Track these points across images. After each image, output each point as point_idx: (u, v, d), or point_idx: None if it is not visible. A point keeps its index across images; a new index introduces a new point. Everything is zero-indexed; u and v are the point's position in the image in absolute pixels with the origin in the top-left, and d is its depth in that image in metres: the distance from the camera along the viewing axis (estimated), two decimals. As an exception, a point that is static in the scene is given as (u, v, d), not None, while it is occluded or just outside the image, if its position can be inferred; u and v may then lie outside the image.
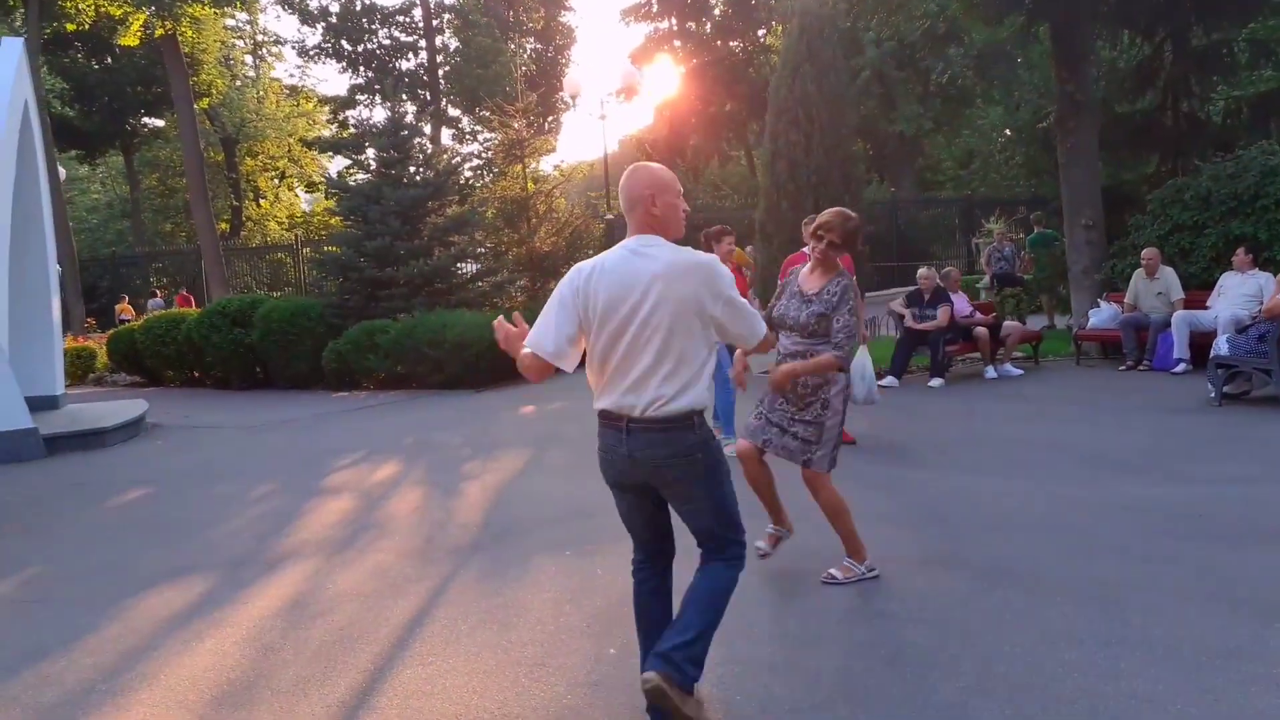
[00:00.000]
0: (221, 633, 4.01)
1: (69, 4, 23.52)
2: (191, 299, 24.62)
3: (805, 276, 4.27)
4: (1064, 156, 12.27)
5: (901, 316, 10.39)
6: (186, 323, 14.34)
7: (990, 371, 10.31)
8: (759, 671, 3.27)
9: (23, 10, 25.34)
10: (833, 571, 4.15)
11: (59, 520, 6.43)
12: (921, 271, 10.36)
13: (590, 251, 22.38)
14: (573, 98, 22.67)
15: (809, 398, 4.12)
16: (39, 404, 9.62)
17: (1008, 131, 26.20)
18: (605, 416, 2.87)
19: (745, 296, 6.00)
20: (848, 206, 10.07)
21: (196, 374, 14.70)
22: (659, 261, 2.75)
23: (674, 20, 33.98)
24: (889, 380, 9.89)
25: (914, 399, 9.26)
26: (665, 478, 2.84)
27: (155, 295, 25.34)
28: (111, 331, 17.33)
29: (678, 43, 33.91)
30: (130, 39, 24.00)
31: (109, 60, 31.20)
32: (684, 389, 2.76)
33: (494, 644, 3.67)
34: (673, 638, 2.78)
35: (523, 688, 3.25)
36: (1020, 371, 10.50)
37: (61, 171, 23.63)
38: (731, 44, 33.70)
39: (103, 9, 23.49)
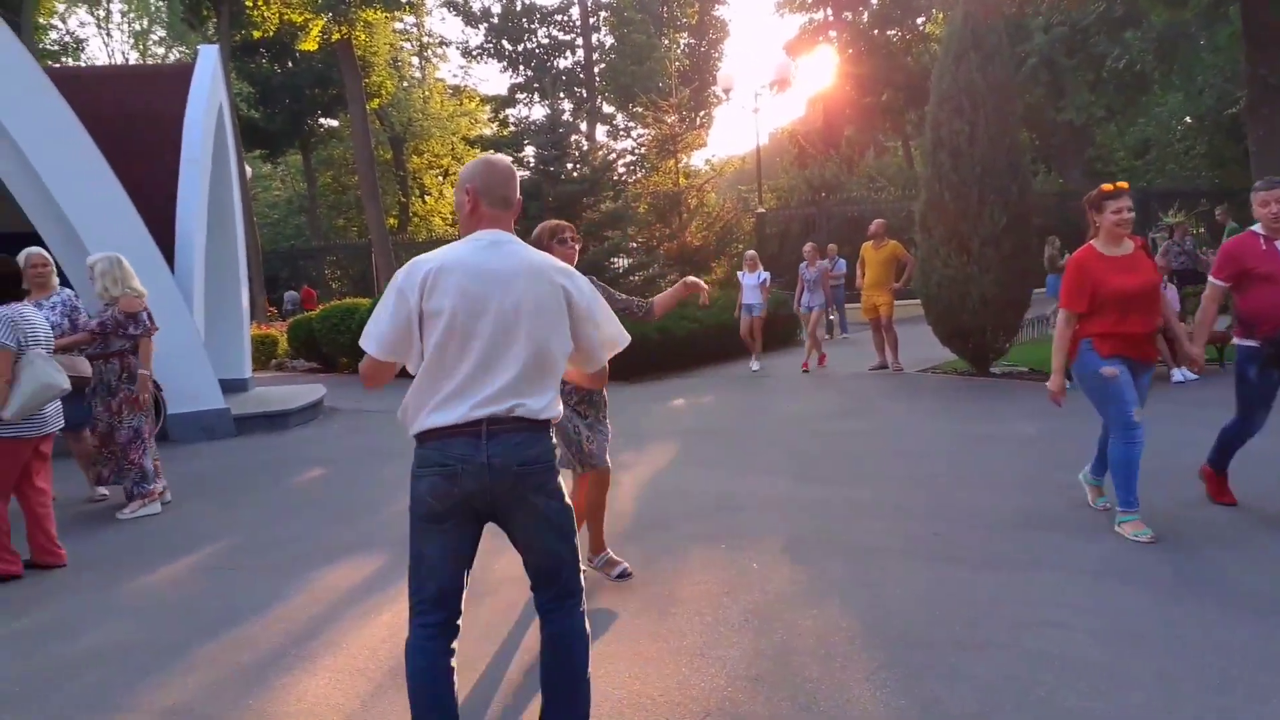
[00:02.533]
0: (396, 607, 4.24)
1: (255, 13, 25.20)
2: (314, 293, 26.35)
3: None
4: (1255, 145, 11.40)
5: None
6: (360, 312, 15.14)
7: (1177, 374, 9.55)
8: (925, 677, 3.20)
9: (214, 20, 27.34)
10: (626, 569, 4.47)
11: (249, 495, 6.93)
12: (1095, 267, 9.80)
13: (740, 245, 22.33)
14: (726, 91, 22.57)
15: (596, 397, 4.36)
16: (230, 386, 10.38)
17: (1188, 119, 24.52)
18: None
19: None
20: (1015, 198, 9.78)
21: (364, 362, 15.53)
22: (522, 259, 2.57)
23: (830, 10, 33.40)
24: (1057, 382, 9.43)
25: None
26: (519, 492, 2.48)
27: (291, 290, 27.18)
28: (292, 320, 18.52)
29: (833, 33, 33.32)
30: (310, 44, 25.52)
31: (290, 65, 33.21)
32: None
33: (653, 632, 3.73)
34: None
35: (683, 677, 3.29)
36: (1186, 377, 9.61)
37: (248, 170, 25.34)
38: (889, 33, 32.84)
39: (286, 16, 25.06)
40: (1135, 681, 3.07)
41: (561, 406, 2.63)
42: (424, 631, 2.51)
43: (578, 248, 4.24)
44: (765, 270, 12.68)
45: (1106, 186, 4.72)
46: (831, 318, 16.39)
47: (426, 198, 39.75)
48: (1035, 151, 28.12)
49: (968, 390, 9.85)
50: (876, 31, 32.71)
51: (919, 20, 32.82)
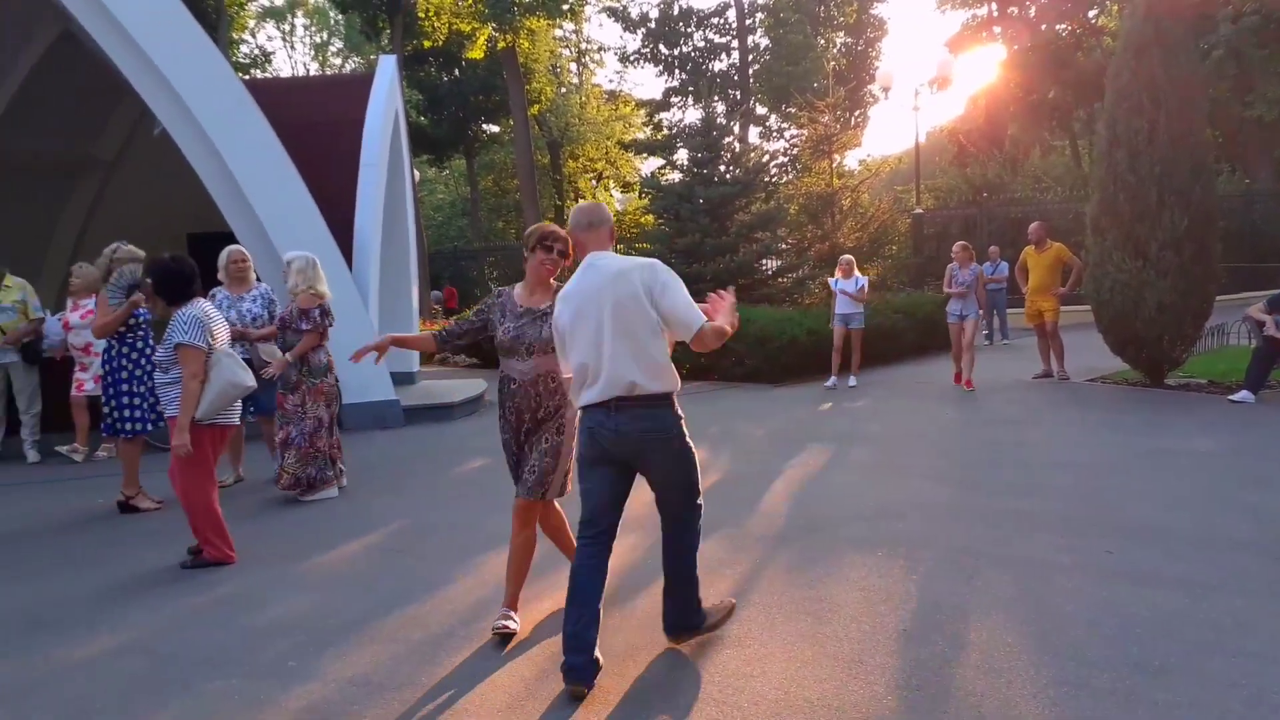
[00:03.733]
0: (557, 594, 4.34)
1: (426, 24, 26.41)
2: (455, 292, 27.25)
3: (526, 294, 3.96)
4: None
5: (1261, 324, 9.24)
6: (516, 311, 15.64)
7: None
8: (1099, 697, 3.08)
9: (389, 31, 28.81)
10: None
11: (416, 481, 7.29)
12: (1290, 274, 9.13)
13: (894, 247, 21.81)
14: (885, 90, 22.09)
15: (546, 422, 3.93)
16: (399, 379, 10.90)
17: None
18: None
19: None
20: (1198, 199, 9.21)
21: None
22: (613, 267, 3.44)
23: (994, 5, 32.19)
24: (1243, 395, 8.84)
25: (1275, 416, 8.21)
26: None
27: (436, 290, 28.24)
28: (455, 318, 19.34)
29: (998, 29, 32.08)
30: (476, 52, 26.57)
31: (456, 73, 34.59)
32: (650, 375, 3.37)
33: (809, 635, 3.73)
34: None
35: (841, 683, 3.28)
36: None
37: (415, 174, 26.58)
38: (1058, 27, 31.32)
39: (454, 26, 26.16)
40: (1335, 718, 2.87)
41: (673, 380, 3.40)
42: (581, 539, 3.50)
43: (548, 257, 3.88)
44: (863, 275, 11.43)
45: None
46: (982, 329, 15.60)
47: (581, 201, 40.60)
48: (1219, 150, 26.24)
49: (1140, 402, 9.33)
50: (1044, 26, 31.26)
51: (1091, 13, 31.19)
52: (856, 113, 35.05)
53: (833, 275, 11.56)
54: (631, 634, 3.86)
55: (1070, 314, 11.97)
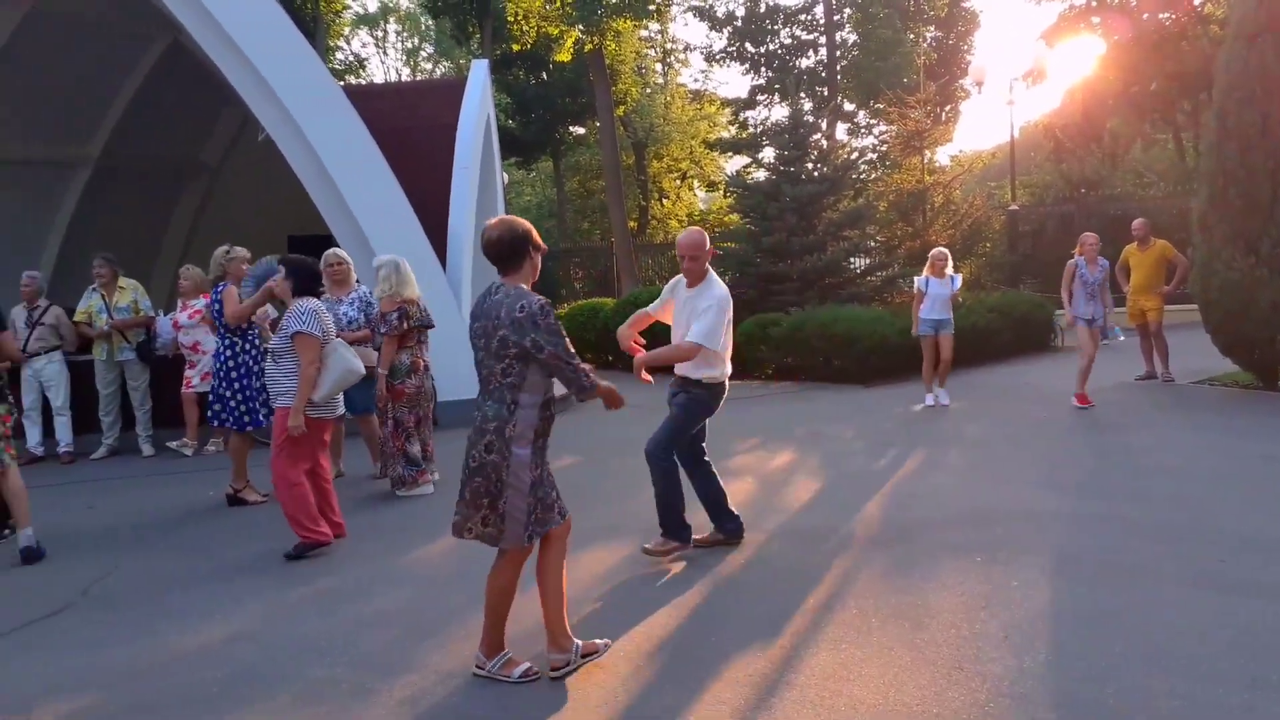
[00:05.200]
0: (646, 591, 4.43)
1: (515, 27, 26.76)
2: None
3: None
4: None
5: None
6: (604, 312, 15.78)
7: None
8: (1215, 712, 2.98)
9: (478, 36, 29.30)
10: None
11: (507, 480, 7.39)
12: None
13: (988, 245, 21.27)
14: (978, 84, 21.56)
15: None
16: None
17: None
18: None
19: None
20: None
21: (610, 358, 16.11)
22: None
23: (1094, -6, 31.09)
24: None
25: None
26: None
27: None
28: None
29: (1096, 19, 30.97)
30: (564, 54, 26.80)
31: (544, 76, 34.98)
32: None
33: (906, 640, 3.68)
34: None
35: (940, 689, 3.23)
36: None
37: (505, 177, 26.98)
38: (1161, 16, 30.09)
39: (543, 29, 26.45)
40: None
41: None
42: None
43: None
44: (956, 274, 10.05)
45: None
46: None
47: (665, 201, 40.64)
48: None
49: (1251, 405, 8.92)
50: (1146, 15, 30.09)
51: (1196, 1, 29.88)
52: (947, 107, 34.27)
53: (919, 274, 10.30)
54: (727, 636, 3.86)
55: (1175, 313, 11.51)
